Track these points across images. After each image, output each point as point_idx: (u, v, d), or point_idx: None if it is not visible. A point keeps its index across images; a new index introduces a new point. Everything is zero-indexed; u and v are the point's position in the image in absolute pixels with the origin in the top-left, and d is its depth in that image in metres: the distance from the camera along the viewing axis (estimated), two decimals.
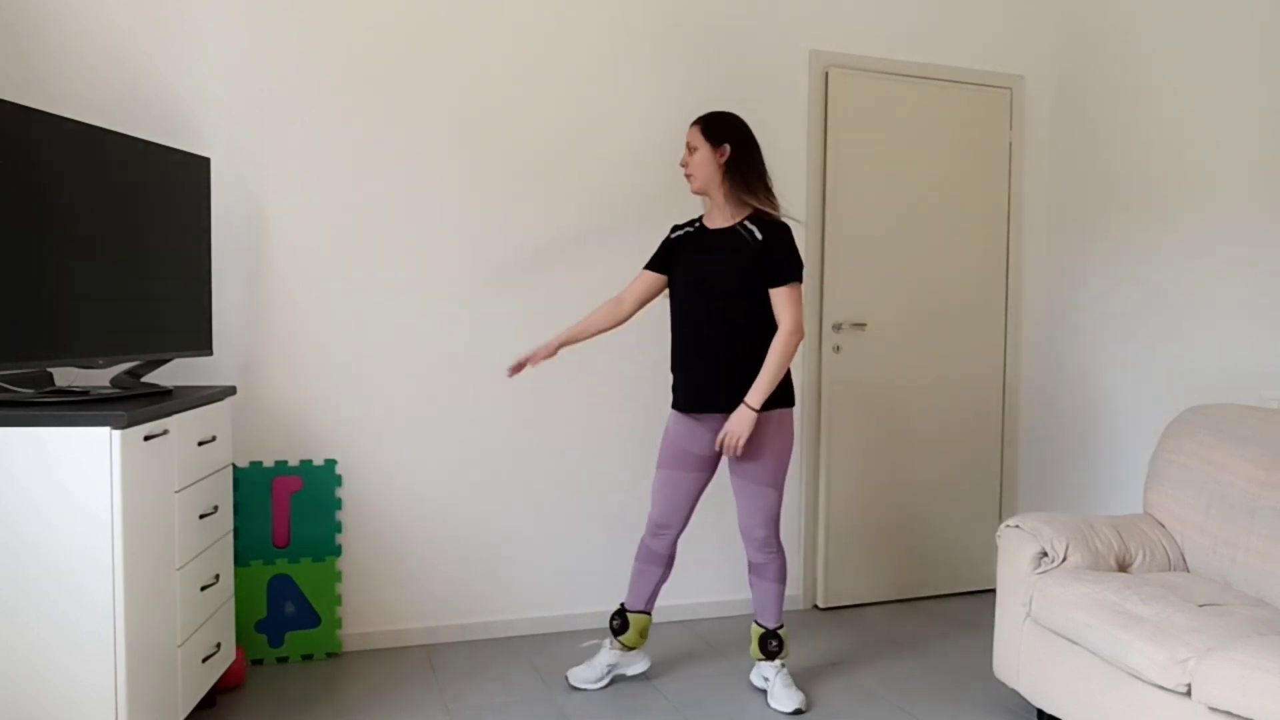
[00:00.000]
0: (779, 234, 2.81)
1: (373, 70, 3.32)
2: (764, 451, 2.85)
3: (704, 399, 2.86)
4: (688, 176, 2.90)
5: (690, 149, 2.88)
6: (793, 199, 3.84)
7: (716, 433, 2.89)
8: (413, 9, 3.35)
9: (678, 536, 3.04)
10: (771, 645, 2.98)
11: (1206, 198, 3.50)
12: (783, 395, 2.86)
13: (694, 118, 3.61)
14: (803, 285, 2.85)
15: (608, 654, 3.10)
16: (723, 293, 2.81)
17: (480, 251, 3.46)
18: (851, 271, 3.91)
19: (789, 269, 2.78)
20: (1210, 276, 3.49)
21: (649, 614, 3.10)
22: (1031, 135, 4.23)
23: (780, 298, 2.78)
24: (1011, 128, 4.19)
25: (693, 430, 2.93)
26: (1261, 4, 3.32)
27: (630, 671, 3.13)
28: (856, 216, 3.92)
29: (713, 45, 3.71)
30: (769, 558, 2.95)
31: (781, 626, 3.01)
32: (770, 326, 2.82)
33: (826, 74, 3.86)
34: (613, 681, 3.11)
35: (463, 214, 3.44)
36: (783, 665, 3.00)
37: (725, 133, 2.85)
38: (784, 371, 2.80)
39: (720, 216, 2.90)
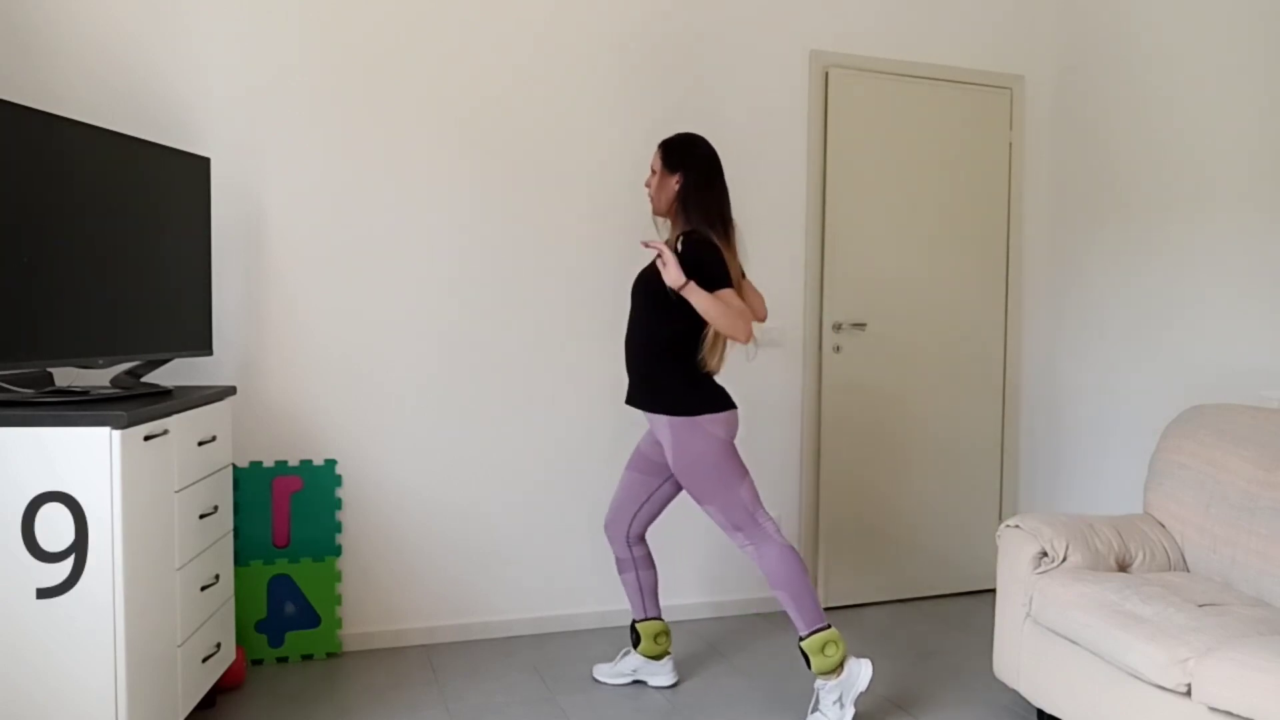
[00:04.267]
0: (694, 248, 2.70)
1: (372, 71, 3.32)
2: (675, 466, 2.79)
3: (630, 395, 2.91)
4: (649, 198, 2.90)
5: (652, 171, 2.88)
6: (793, 199, 3.85)
7: (651, 433, 2.94)
8: (411, 9, 3.35)
9: (628, 535, 3.03)
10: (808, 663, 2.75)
11: (1206, 197, 3.50)
12: (674, 400, 2.76)
13: (691, 118, 3.66)
14: (730, 291, 2.67)
15: (633, 658, 3.11)
16: (637, 302, 2.86)
17: (480, 251, 3.46)
18: (851, 271, 3.91)
19: (712, 277, 2.68)
20: (1210, 276, 3.49)
21: (655, 619, 3.08)
22: (1031, 135, 4.23)
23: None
24: (1011, 128, 4.19)
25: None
26: (1261, 5, 3.32)
27: (653, 682, 3.09)
28: (856, 217, 3.92)
29: (712, 45, 3.71)
30: (751, 556, 2.81)
31: (804, 636, 2.72)
32: (682, 342, 2.75)
33: (826, 74, 3.86)
34: (634, 684, 3.11)
35: (463, 214, 3.44)
36: (825, 681, 2.73)
37: (681, 161, 2.81)
38: (714, 311, 2.63)
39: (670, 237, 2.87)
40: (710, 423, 2.75)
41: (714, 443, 2.75)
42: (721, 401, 2.79)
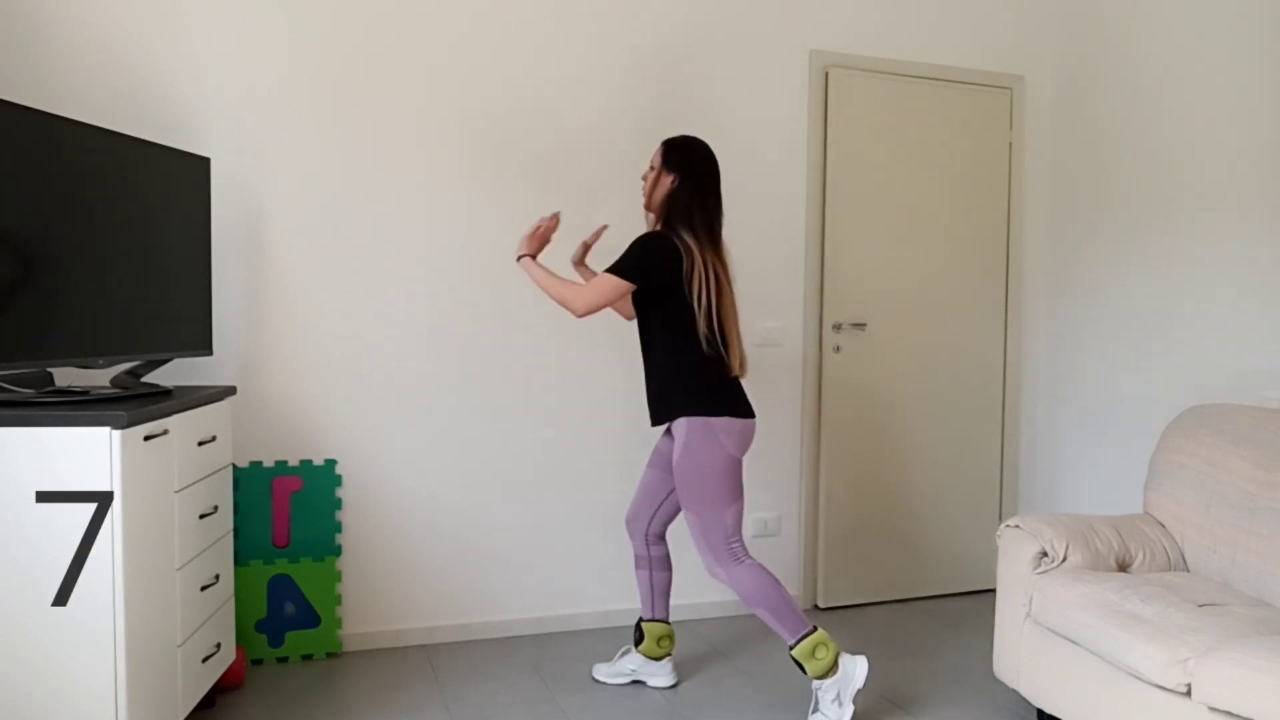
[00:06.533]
0: (637, 240, 2.74)
1: (373, 71, 3.32)
2: (676, 465, 2.76)
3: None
4: (644, 192, 2.89)
5: (651, 166, 2.87)
6: (793, 199, 3.85)
7: (672, 444, 2.88)
8: (411, 10, 3.35)
9: (647, 532, 3.03)
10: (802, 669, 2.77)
11: (1206, 197, 3.50)
12: (690, 402, 2.73)
13: (691, 118, 3.66)
14: (621, 283, 2.69)
15: (632, 658, 3.11)
16: (639, 313, 2.86)
17: (480, 250, 3.46)
18: (851, 271, 3.91)
19: (615, 263, 2.71)
20: (1210, 276, 3.49)
21: (662, 621, 3.07)
22: (1031, 135, 4.23)
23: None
24: (1011, 128, 4.19)
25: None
26: (1261, 4, 3.32)
27: (652, 682, 3.09)
28: (856, 216, 3.92)
29: (713, 45, 3.71)
30: (721, 580, 2.76)
31: (793, 645, 2.72)
32: (680, 345, 2.73)
33: (826, 74, 3.86)
34: (633, 684, 3.11)
35: (463, 213, 3.44)
36: (821, 681, 2.73)
37: (678, 163, 2.80)
38: (548, 286, 2.76)
39: None
40: (725, 430, 2.72)
41: (721, 455, 2.72)
42: (740, 408, 2.76)
